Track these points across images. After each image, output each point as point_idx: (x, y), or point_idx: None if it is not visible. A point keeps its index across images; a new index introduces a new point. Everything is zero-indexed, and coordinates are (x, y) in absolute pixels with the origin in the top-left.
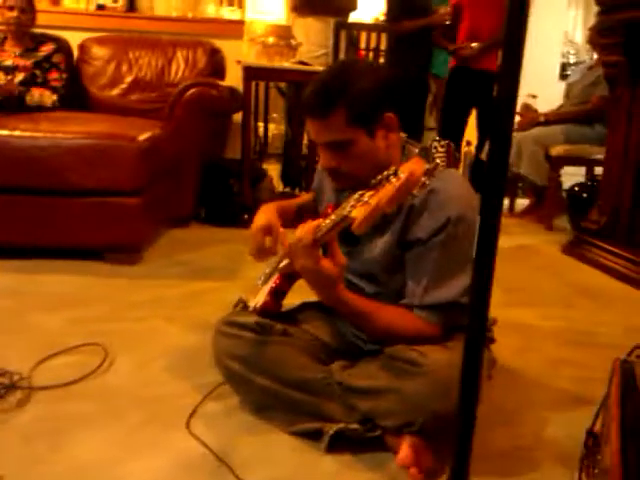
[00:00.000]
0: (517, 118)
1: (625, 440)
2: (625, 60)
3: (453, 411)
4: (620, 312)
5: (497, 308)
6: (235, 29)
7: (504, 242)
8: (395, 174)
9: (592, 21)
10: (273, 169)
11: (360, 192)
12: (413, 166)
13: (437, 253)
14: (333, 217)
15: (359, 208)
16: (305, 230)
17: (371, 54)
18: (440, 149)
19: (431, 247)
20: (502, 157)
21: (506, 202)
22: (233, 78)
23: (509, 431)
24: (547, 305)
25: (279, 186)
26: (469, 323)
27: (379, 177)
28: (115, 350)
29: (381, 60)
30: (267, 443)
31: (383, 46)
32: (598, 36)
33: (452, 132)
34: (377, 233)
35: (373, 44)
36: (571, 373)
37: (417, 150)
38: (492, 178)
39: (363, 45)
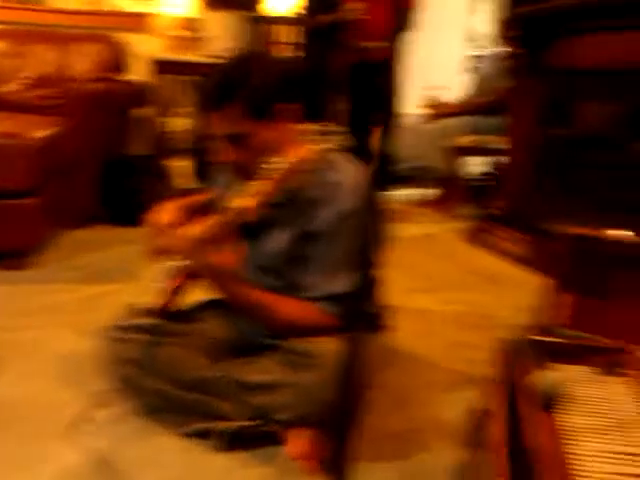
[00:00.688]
0: (426, 110)
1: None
2: (526, 52)
3: (346, 400)
4: (519, 295)
5: (401, 295)
6: (141, 22)
7: (411, 231)
8: (280, 162)
9: (498, 14)
10: (182, 165)
11: (248, 183)
12: (300, 153)
13: (336, 245)
14: (223, 210)
15: (245, 198)
16: (198, 226)
17: (286, 47)
18: (332, 138)
19: (330, 239)
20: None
21: (414, 192)
22: (139, 72)
23: (403, 414)
24: (450, 290)
25: (193, 183)
26: (350, 312)
27: (265, 166)
28: (0, 361)
29: (296, 53)
30: (158, 446)
31: (298, 40)
32: (503, 29)
33: (360, 125)
34: (278, 226)
35: (289, 38)
36: (468, 355)
37: (316, 140)
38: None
39: (279, 38)
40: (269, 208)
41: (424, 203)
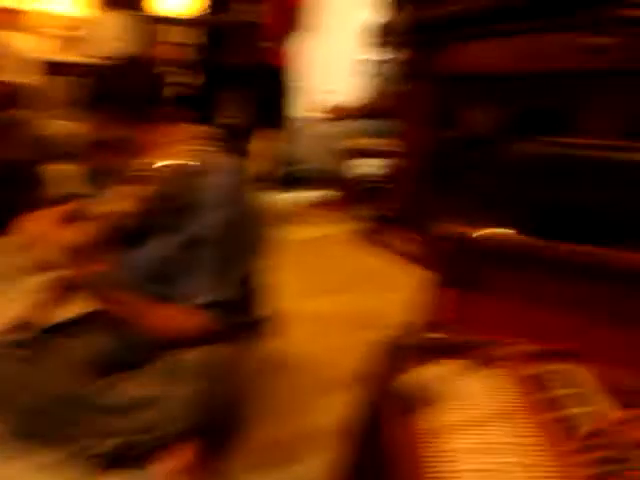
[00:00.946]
0: (323, 113)
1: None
2: (416, 56)
3: (227, 411)
4: (410, 294)
5: (294, 299)
6: (17, 19)
7: (307, 233)
8: (158, 165)
9: (389, 18)
10: (61, 170)
11: (125, 187)
12: (179, 157)
13: (218, 251)
14: (99, 216)
15: (122, 202)
16: (73, 234)
17: (181, 49)
18: (216, 141)
19: (211, 245)
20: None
21: (310, 194)
22: (16, 73)
23: (286, 422)
24: (343, 292)
25: (71, 188)
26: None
27: (143, 169)
28: None
29: (193, 55)
30: (26, 471)
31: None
32: (394, 33)
33: (254, 127)
34: (157, 232)
35: (187, 39)
36: (357, 357)
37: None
38: None
39: (175, 39)
40: (147, 213)
41: (320, 205)
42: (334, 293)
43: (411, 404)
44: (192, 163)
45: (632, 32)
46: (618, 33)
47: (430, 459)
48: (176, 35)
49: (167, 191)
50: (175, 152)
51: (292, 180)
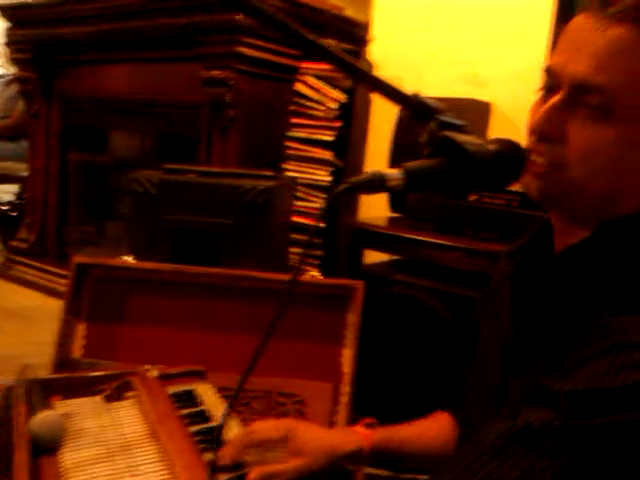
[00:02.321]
0: None
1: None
2: (38, 76)
3: None
4: (52, 328)
5: None
6: None
7: None
8: None
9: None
10: None
11: None
12: None
13: None
14: None
15: None
16: None
17: None
18: None
19: None
20: None
21: None
22: None
23: None
24: None
25: None
26: None
27: None
28: None
29: None
30: None
31: None
32: (11, 51)
33: None
34: None
35: None
36: None
37: None
38: None
39: None
40: None
41: None
42: None
43: (47, 446)
44: None
45: (244, 68)
46: (233, 68)
47: None
48: None
49: None
50: None
51: None
